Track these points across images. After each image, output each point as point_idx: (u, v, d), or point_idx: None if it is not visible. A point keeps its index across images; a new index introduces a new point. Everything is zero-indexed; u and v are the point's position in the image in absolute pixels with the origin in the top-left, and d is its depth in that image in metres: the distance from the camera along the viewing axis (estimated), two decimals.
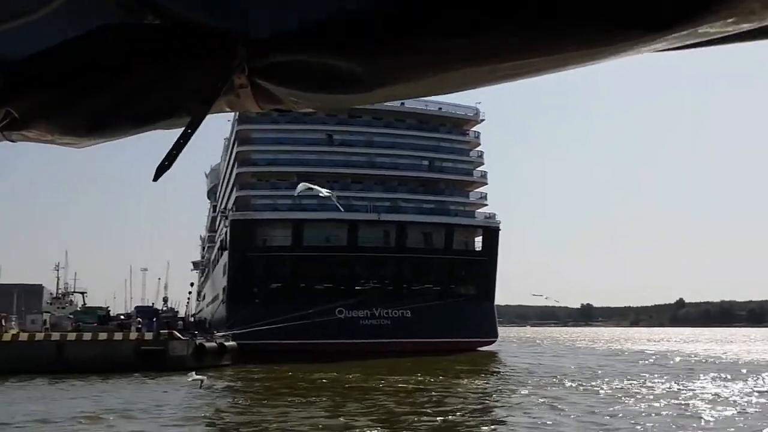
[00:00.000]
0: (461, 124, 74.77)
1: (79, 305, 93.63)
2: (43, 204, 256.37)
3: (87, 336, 42.08)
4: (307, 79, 1.36)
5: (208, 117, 1.45)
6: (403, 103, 71.86)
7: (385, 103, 71.08)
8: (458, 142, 74.15)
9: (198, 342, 43.30)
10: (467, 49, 1.23)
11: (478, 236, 72.00)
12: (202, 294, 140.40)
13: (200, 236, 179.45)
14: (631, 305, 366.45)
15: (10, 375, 36.81)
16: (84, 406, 25.35)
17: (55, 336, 41.65)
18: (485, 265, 70.61)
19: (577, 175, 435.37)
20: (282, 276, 64.31)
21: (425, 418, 22.81)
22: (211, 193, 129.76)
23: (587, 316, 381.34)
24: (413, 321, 65.19)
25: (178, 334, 43.43)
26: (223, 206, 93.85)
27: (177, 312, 79.68)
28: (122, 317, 66.94)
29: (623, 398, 28.22)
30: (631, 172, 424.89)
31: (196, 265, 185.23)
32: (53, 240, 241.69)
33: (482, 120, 74.79)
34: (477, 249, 71.68)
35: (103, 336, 42.15)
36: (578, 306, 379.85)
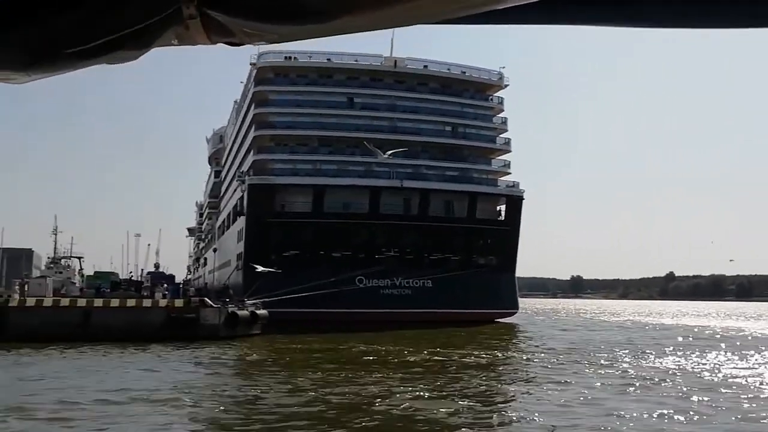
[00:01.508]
0: (484, 89, 72.28)
1: (76, 270, 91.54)
2: (31, 165, 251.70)
3: (115, 302, 39.87)
4: (261, 9, 1.33)
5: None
6: (426, 66, 69.57)
7: (408, 66, 69.01)
8: (481, 107, 71.76)
9: (230, 310, 41.23)
10: None
11: (501, 205, 70.00)
12: (201, 260, 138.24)
13: (196, 203, 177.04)
14: (620, 278, 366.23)
15: (36, 342, 34.76)
16: (145, 381, 23.20)
17: (82, 302, 39.41)
18: (508, 235, 68.76)
19: (576, 144, 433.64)
20: (301, 243, 62.18)
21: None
22: (213, 159, 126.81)
23: (577, 288, 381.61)
24: (434, 291, 63.46)
25: (210, 302, 41.29)
26: (231, 171, 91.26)
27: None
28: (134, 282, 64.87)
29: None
30: (627, 144, 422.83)
31: (191, 231, 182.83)
32: (39, 203, 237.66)
33: (506, 85, 72.34)
34: (500, 218, 69.69)
35: (131, 303, 39.94)
36: (568, 278, 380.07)
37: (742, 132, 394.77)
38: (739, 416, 18.23)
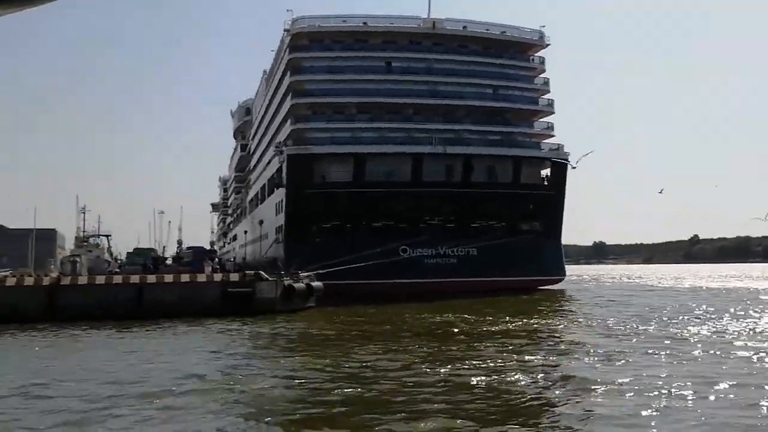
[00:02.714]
0: (525, 49, 69.67)
1: (105, 248, 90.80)
2: (45, 145, 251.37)
3: (168, 278, 38.46)
4: None
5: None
6: (465, 27, 67.15)
7: (447, 27, 66.44)
8: (522, 68, 69.20)
9: (287, 283, 39.69)
10: None
11: (545, 169, 67.83)
12: (230, 235, 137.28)
13: (220, 178, 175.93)
14: (643, 242, 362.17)
15: (92, 320, 33.52)
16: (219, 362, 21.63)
17: (135, 279, 37.98)
18: (553, 200, 66.72)
19: (607, 106, 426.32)
20: (343, 213, 60.57)
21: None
22: (239, 133, 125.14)
23: (600, 253, 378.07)
24: (479, 259, 61.72)
25: (266, 275, 39.76)
26: (262, 143, 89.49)
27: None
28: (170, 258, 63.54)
29: None
30: (653, 106, 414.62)
31: (215, 207, 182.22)
32: (57, 183, 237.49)
33: (548, 45, 69.65)
34: (545, 183, 67.57)
35: (185, 278, 38.48)
36: (590, 244, 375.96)
37: None
38: None
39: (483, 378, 17.14)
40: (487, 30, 68.01)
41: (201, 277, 38.63)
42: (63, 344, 27.54)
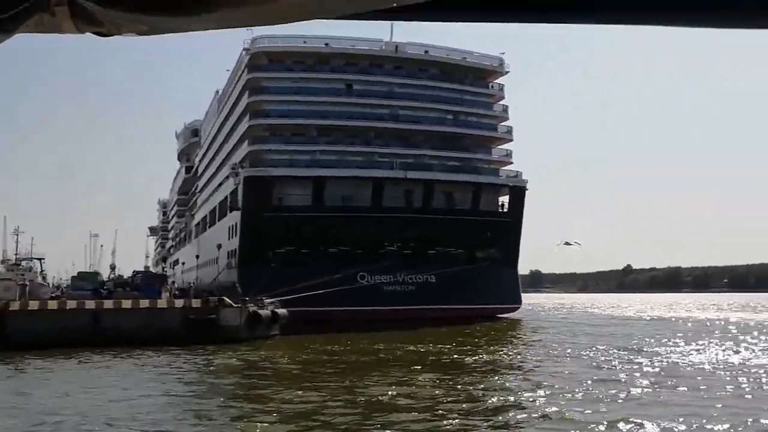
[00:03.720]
0: (485, 75, 69.76)
1: (38, 272, 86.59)
2: None
3: (126, 304, 36.02)
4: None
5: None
6: (427, 51, 66.90)
7: (408, 51, 65.97)
8: (482, 95, 69.16)
9: (252, 309, 37.73)
10: None
11: (504, 196, 67.65)
12: (170, 260, 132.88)
13: (159, 200, 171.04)
14: (577, 271, 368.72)
15: (44, 348, 30.90)
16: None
17: (90, 304, 35.43)
18: (510, 227, 66.45)
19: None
20: (301, 238, 58.73)
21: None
22: (183, 155, 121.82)
23: (536, 282, 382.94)
24: (437, 287, 60.72)
25: (230, 301, 37.70)
26: (211, 165, 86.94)
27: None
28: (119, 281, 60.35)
29: None
30: (592, 128, 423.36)
31: (153, 230, 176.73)
32: None
33: (507, 72, 69.90)
34: (502, 210, 67.34)
35: (144, 303, 36.11)
36: (527, 272, 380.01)
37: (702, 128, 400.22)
38: None
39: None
40: (448, 55, 67.75)
41: (161, 303, 36.32)
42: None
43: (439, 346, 34.31)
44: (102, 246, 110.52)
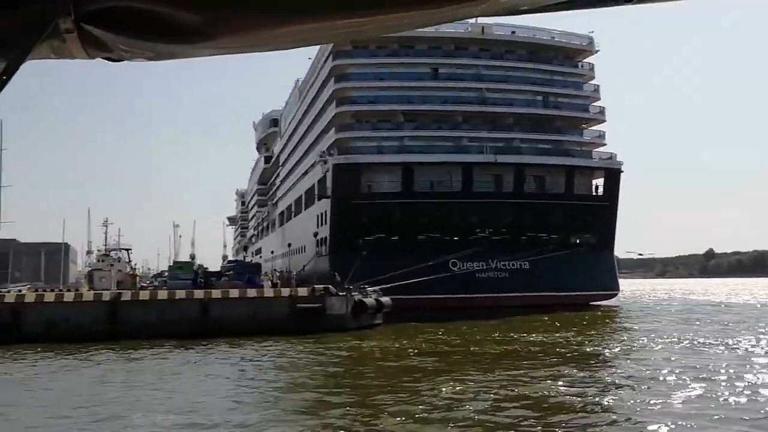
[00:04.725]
0: (574, 55, 67.32)
1: (127, 262, 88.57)
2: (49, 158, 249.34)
3: (234, 293, 35.88)
4: (137, 26, 1.31)
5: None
6: (513, 32, 64.95)
7: (495, 33, 64.14)
8: (571, 75, 66.74)
9: (357, 298, 37.08)
10: (299, 3, 1.28)
11: (597, 179, 65.24)
12: (251, 249, 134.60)
13: (236, 190, 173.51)
14: (657, 256, 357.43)
15: (156, 339, 30.98)
16: None
17: (199, 294, 35.44)
18: (606, 210, 64.03)
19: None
20: (391, 225, 57.93)
21: None
22: (262, 144, 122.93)
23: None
24: (532, 273, 59.00)
25: (335, 290, 37.15)
26: (294, 154, 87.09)
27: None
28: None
29: None
30: (667, 114, 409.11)
31: (232, 220, 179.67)
32: (64, 195, 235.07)
33: (597, 51, 67.28)
34: (598, 193, 64.97)
35: (252, 293, 35.92)
36: None
37: None
38: None
39: None
40: (535, 35, 65.58)
41: (268, 292, 36.04)
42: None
43: (557, 335, 32.89)
44: (180, 237, 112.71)
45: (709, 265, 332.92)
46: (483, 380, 19.02)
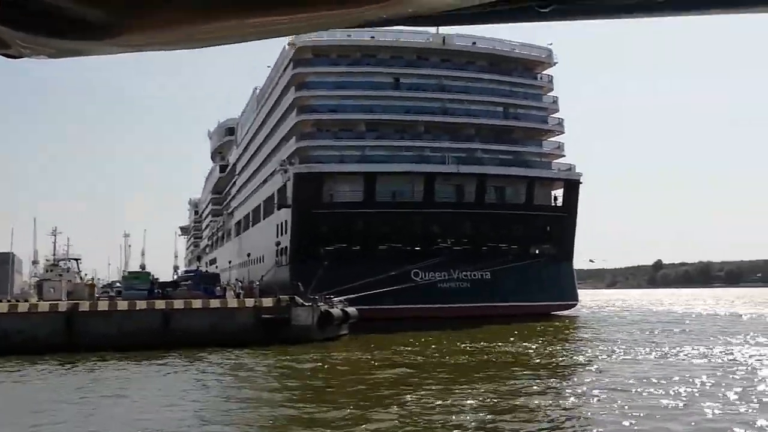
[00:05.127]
0: (533, 66, 68.02)
1: (76, 272, 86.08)
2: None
3: (197, 304, 34.88)
4: (35, 21, 1.23)
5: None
6: (474, 43, 65.29)
7: (456, 43, 64.30)
8: (531, 86, 67.41)
9: (324, 309, 36.42)
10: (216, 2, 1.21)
11: (557, 189, 65.89)
12: (205, 260, 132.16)
13: (189, 200, 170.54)
14: (606, 267, 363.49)
15: (115, 351, 29.81)
16: None
17: (160, 305, 34.33)
18: (565, 221, 64.67)
19: None
20: (352, 235, 57.44)
21: None
22: (217, 154, 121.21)
23: None
24: (493, 283, 59.18)
25: (301, 300, 36.42)
26: (251, 163, 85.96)
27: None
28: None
29: None
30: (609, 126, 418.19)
31: (184, 230, 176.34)
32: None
33: (555, 63, 68.08)
34: (557, 204, 65.59)
35: (215, 303, 34.97)
36: None
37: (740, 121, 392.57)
38: None
39: None
40: (495, 47, 66.07)
41: (232, 303, 35.14)
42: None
43: (525, 344, 32.76)
44: (130, 246, 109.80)
45: (657, 275, 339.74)
46: (463, 392, 18.60)
